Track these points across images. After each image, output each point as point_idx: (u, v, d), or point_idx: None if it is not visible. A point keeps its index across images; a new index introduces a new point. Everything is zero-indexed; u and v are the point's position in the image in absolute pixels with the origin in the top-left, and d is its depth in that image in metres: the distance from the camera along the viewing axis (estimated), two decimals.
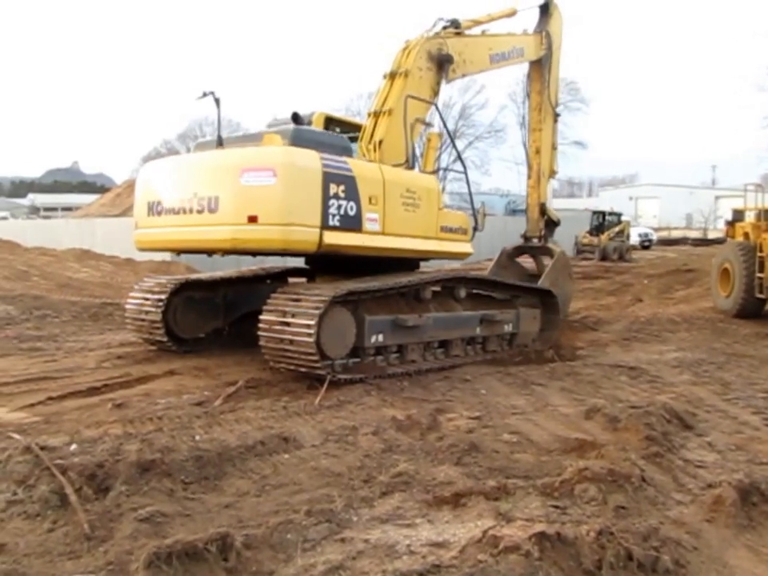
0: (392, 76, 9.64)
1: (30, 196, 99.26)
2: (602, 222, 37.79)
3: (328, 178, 7.61)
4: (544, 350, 10.08)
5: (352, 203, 7.90)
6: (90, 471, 4.28)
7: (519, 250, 13.00)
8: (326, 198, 7.60)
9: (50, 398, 6.71)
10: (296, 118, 8.44)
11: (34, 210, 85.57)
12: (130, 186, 45.37)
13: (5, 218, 61.71)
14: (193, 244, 8.22)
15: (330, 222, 7.65)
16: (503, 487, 4.36)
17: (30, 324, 11.34)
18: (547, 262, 12.59)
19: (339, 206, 7.75)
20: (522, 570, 3.20)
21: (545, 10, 12.43)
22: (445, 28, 10.29)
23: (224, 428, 5.62)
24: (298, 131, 8.01)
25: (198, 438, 5.22)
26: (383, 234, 8.37)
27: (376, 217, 8.23)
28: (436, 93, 10.01)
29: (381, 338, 8.02)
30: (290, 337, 7.24)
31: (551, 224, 12.88)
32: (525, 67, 13.09)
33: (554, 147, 13.04)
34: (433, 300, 8.93)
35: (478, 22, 11.02)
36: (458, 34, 10.40)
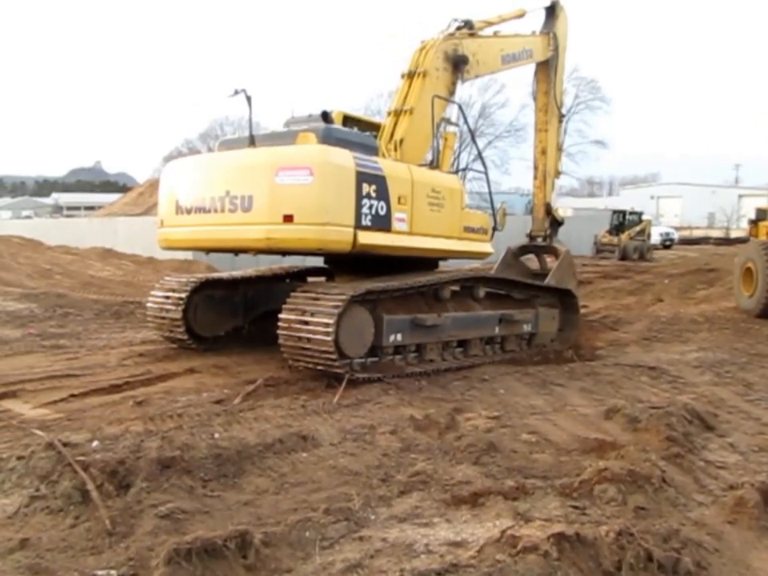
0: (410, 76, 9.66)
1: (54, 195, 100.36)
2: (622, 221, 37.50)
3: (361, 178, 7.61)
4: (563, 350, 10.05)
5: (382, 203, 7.89)
6: (111, 468, 4.32)
7: (524, 249, 12.99)
8: (359, 197, 7.60)
9: (73, 395, 6.79)
10: (326, 116, 8.42)
11: (58, 209, 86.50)
12: (152, 185, 45.69)
13: (29, 217, 62.50)
14: (225, 243, 8.21)
15: (363, 222, 7.66)
16: (522, 487, 4.35)
17: (52, 322, 11.47)
18: (551, 260, 12.60)
19: (371, 206, 7.75)
20: (541, 571, 3.19)
21: (551, 12, 12.40)
22: (459, 29, 10.32)
23: (243, 426, 5.64)
24: (329, 130, 7.98)
25: (217, 435, 5.25)
26: (410, 233, 8.39)
27: (404, 217, 8.24)
28: (452, 93, 10.03)
29: (399, 337, 7.99)
30: (308, 335, 7.24)
31: (556, 224, 12.87)
32: None
33: (558, 148, 13.07)
34: (451, 299, 8.92)
35: (489, 23, 11.04)
36: (471, 35, 10.43)
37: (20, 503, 4.03)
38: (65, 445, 4.67)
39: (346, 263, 9.05)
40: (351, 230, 7.53)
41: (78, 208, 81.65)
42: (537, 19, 12.41)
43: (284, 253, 8.88)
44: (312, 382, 7.52)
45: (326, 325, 7.09)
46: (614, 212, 39.59)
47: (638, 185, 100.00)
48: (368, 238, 7.72)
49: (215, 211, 7.88)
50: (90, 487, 4.08)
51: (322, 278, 10.52)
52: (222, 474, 4.60)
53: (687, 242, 50.89)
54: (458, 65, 9.92)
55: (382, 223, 7.93)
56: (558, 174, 13.13)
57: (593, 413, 6.50)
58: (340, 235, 7.47)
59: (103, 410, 6.28)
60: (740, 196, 74.47)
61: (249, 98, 7.95)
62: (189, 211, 8.24)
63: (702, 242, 50.65)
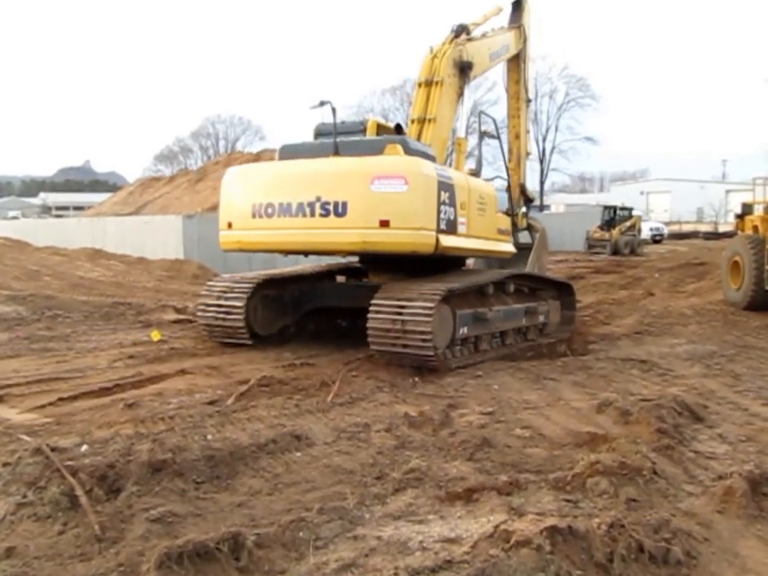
0: (427, 84, 10.03)
1: (42, 195, 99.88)
2: (613, 216, 37.83)
3: (440, 186, 8.33)
4: (565, 339, 10.51)
5: (452, 209, 8.64)
6: (100, 472, 4.27)
7: None
8: (439, 204, 8.30)
9: (61, 399, 6.68)
10: (399, 129, 9.15)
11: (46, 210, 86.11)
12: (143, 184, 45.51)
13: (15, 218, 61.98)
14: (315, 246, 8.84)
15: (441, 226, 8.37)
16: (515, 482, 4.35)
17: (41, 324, 11.35)
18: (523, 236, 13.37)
19: (446, 212, 8.47)
20: (534, 564, 3.19)
21: (517, 6, 12.85)
22: (458, 34, 10.61)
23: (236, 427, 5.61)
24: (406, 142, 8.62)
25: (209, 437, 5.21)
26: (467, 236, 9.13)
27: (464, 221, 9.00)
28: (461, 96, 10.44)
29: (466, 330, 8.58)
30: (405, 325, 7.71)
31: (528, 201, 13.48)
32: None
33: (527, 131, 13.70)
34: (492, 295, 9.42)
35: (476, 24, 11.40)
36: (469, 39, 10.79)
37: (6, 510, 3.94)
38: (53, 450, 4.60)
39: (379, 263, 9.66)
40: (434, 233, 8.22)
41: (66, 208, 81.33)
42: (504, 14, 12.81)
43: (374, 254, 9.32)
44: (305, 381, 7.50)
45: (426, 315, 7.62)
46: (605, 208, 39.89)
47: (628, 181, 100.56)
48: (446, 241, 8.44)
49: (303, 216, 8.36)
50: (78, 492, 4.02)
51: (343, 278, 10.99)
52: (214, 476, 4.56)
53: (677, 236, 51.27)
54: (463, 70, 10.40)
55: (452, 227, 8.66)
56: (528, 154, 13.80)
57: (585, 406, 6.51)
58: (428, 238, 8.16)
59: (92, 414, 6.20)
60: (727, 191, 75.12)
61: (334, 109, 8.59)
62: (270, 215, 8.66)
63: (691, 236, 50.99)
